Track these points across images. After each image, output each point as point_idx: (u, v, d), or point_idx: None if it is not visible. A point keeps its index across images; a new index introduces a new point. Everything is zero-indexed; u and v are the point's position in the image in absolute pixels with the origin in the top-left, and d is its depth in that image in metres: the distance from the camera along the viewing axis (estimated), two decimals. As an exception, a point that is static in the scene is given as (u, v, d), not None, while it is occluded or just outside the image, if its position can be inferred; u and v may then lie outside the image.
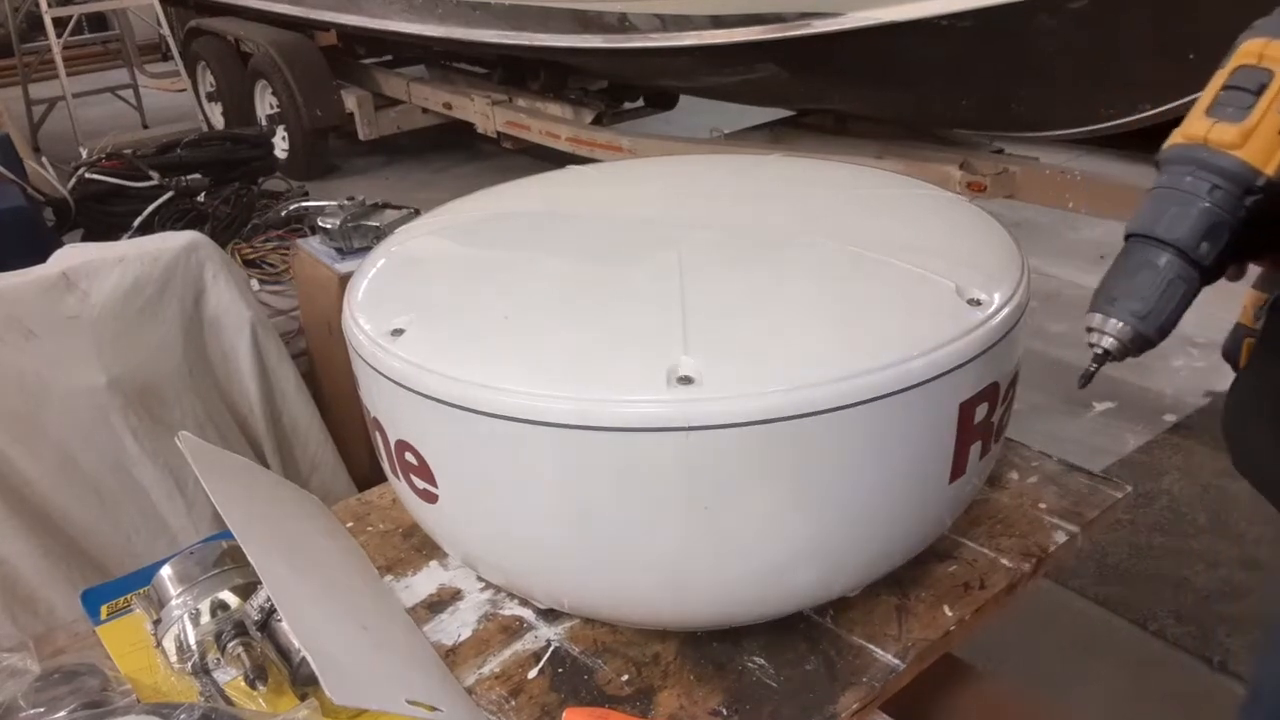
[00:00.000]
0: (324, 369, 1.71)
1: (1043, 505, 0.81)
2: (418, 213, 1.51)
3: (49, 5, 4.80)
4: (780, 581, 0.63)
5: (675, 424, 0.54)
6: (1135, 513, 1.76)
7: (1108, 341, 0.51)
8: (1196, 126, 0.49)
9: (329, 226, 1.66)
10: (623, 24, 2.93)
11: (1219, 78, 0.50)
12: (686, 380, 0.55)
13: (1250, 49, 0.49)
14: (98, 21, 6.39)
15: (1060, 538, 0.76)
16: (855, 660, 0.66)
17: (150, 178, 2.41)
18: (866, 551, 0.65)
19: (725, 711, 0.63)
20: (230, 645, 0.66)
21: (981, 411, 0.62)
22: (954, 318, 0.60)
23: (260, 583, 0.65)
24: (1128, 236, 0.52)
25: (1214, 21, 1.72)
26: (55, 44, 4.73)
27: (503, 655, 0.68)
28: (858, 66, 2.35)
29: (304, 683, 0.65)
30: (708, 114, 3.62)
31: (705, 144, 3.11)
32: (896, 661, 0.65)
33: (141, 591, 0.74)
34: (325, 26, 4.67)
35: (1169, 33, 1.80)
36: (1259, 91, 0.48)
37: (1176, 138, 0.50)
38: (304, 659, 0.63)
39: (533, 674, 0.66)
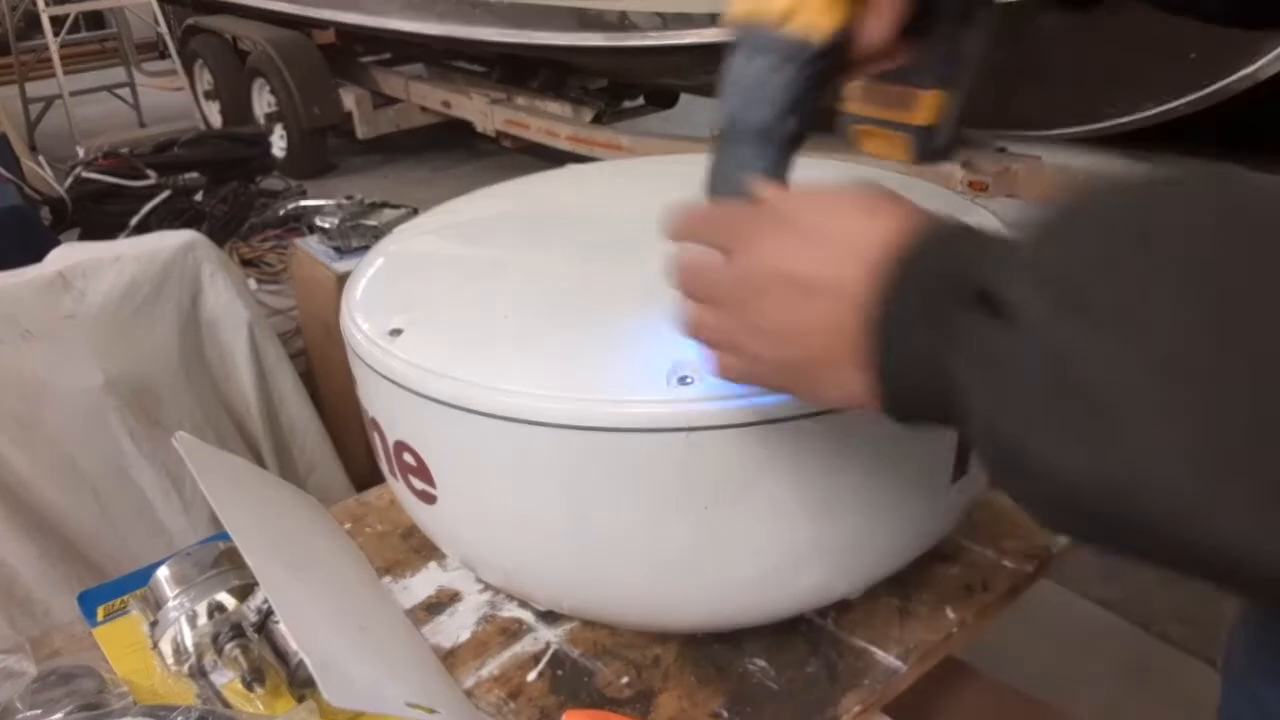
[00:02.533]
0: (322, 369, 1.70)
1: (1045, 506, 0.80)
2: (416, 212, 1.50)
3: (46, 4, 4.80)
4: (781, 583, 0.63)
5: (675, 425, 0.54)
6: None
7: None
8: (743, 3, 0.49)
9: (327, 226, 1.66)
10: (623, 22, 2.93)
11: None
12: (686, 381, 0.55)
13: None
14: (95, 20, 6.39)
15: (1063, 539, 0.76)
16: (857, 662, 0.65)
17: (147, 177, 2.41)
18: (868, 553, 0.65)
19: (726, 714, 0.62)
20: (227, 647, 0.66)
21: (984, 412, 0.61)
22: (957, 317, 0.59)
23: (258, 584, 0.65)
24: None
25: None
26: (52, 42, 4.73)
27: (502, 657, 0.68)
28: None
29: (302, 685, 0.65)
30: (708, 112, 3.61)
31: (706, 143, 3.10)
32: (898, 663, 0.65)
33: (138, 593, 0.73)
34: (323, 25, 4.66)
35: (1171, 31, 1.80)
36: None
37: (732, 9, 0.49)
38: (301, 661, 0.62)
39: (532, 676, 0.66)
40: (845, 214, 0.41)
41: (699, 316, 0.46)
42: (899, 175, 0.88)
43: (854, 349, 0.39)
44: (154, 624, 0.69)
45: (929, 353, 0.36)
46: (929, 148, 0.57)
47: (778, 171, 0.52)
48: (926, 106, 0.56)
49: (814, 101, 0.50)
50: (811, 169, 0.85)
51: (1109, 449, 0.30)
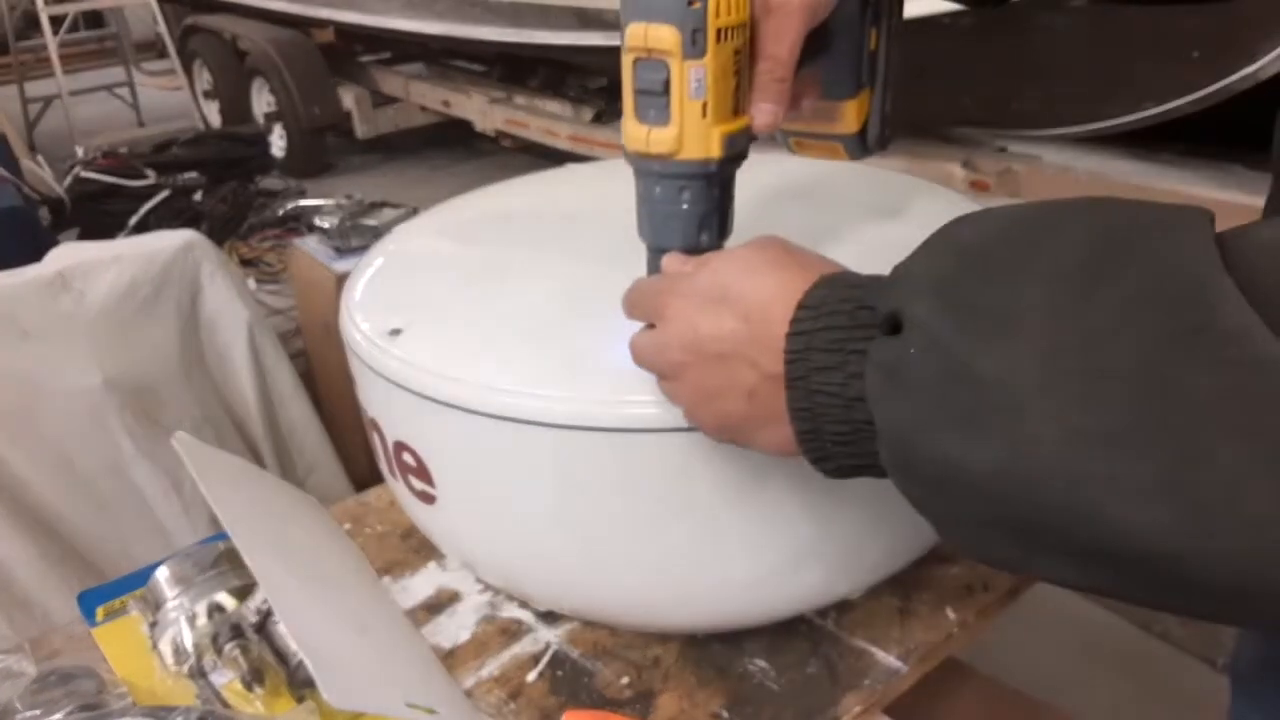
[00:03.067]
0: (321, 369, 1.70)
1: (1045, 506, 0.80)
2: (416, 211, 1.50)
3: (45, 3, 4.80)
4: (782, 584, 0.63)
5: (675, 425, 0.54)
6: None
7: None
8: (635, 136, 0.49)
9: (326, 225, 1.66)
10: (622, 22, 2.92)
11: (626, 67, 0.48)
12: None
13: (634, 35, 0.46)
14: (94, 19, 6.38)
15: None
16: (857, 663, 0.65)
17: (146, 176, 2.41)
18: (869, 553, 0.64)
19: (726, 714, 0.62)
20: (227, 647, 0.66)
21: (985, 412, 0.61)
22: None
23: (257, 585, 0.65)
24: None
25: (1217, 20, 1.72)
26: (51, 42, 4.73)
27: (502, 658, 0.68)
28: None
29: (301, 685, 0.64)
30: (706, 112, 3.60)
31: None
32: (899, 664, 0.65)
33: (138, 593, 0.73)
34: (323, 24, 4.66)
35: (1172, 31, 1.80)
36: (665, 90, 0.46)
37: (626, 141, 0.49)
38: (301, 661, 0.62)
39: (532, 677, 0.66)
40: (736, 277, 0.43)
41: (660, 385, 0.50)
42: (904, 177, 0.88)
43: (772, 404, 0.41)
44: (153, 624, 0.69)
45: (840, 391, 0.38)
46: (862, 148, 0.59)
47: None
48: (850, 114, 0.57)
49: (725, 210, 0.52)
50: (821, 168, 0.85)
51: (1005, 437, 0.31)
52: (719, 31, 0.45)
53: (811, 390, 0.39)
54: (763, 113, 0.49)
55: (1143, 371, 0.29)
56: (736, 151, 0.49)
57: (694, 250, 0.52)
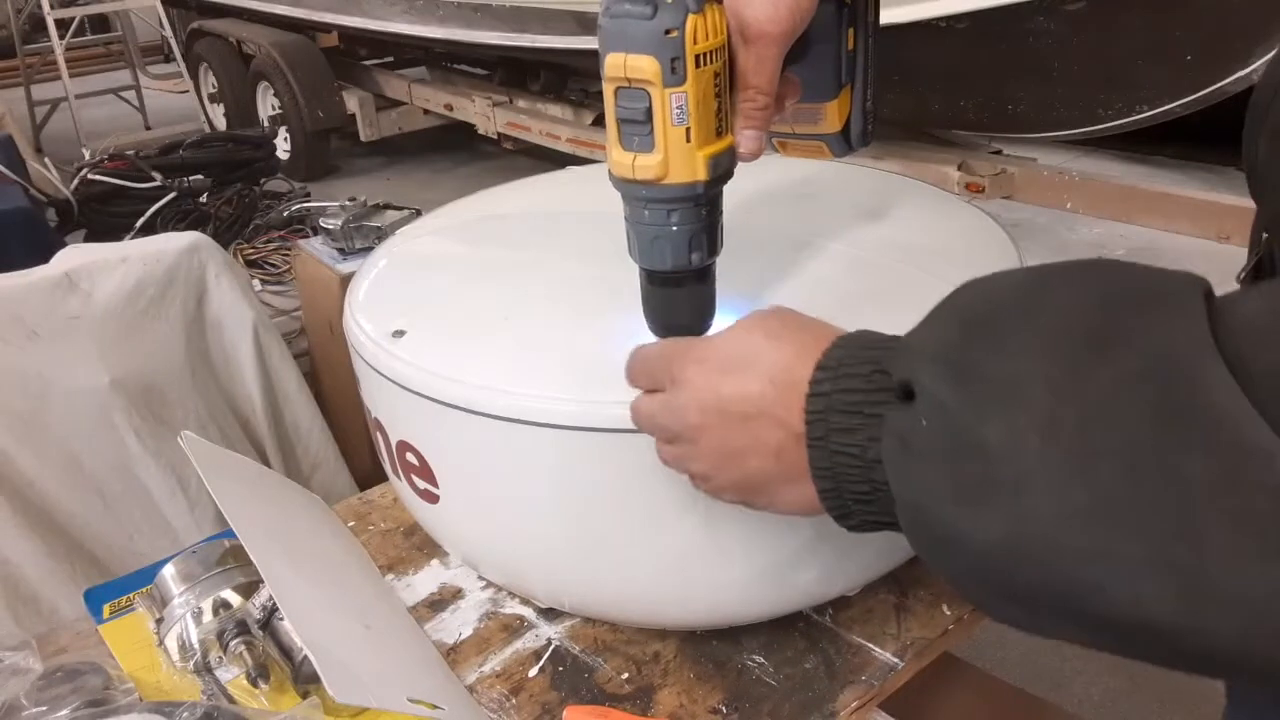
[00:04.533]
0: (325, 369, 1.71)
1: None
2: (419, 213, 1.51)
3: (51, 7, 4.81)
4: (780, 581, 0.63)
5: (675, 424, 0.54)
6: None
7: None
8: (620, 163, 0.49)
9: (330, 227, 1.67)
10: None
11: (608, 96, 0.48)
12: (686, 380, 0.55)
13: (614, 66, 0.46)
14: (100, 23, 6.40)
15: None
16: (854, 659, 0.66)
17: (153, 178, 2.42)
18: (866, 550, 0.65)
19: (725, 710, 0.63)
20: (232, 644, 0.67)
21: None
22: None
23: (262, 581, 0.66)
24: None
25: (1210, 23, 1.72)
26: (58, 45, 4.74)
27: (503, 654, 0.69)
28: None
29: (306, 681, 0.65)
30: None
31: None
32: (895, 660, 0.66)
33: (144, 590, 0.74)
34: (327, 28, 4.68)
35: (1165, 34, 1.80)
36: (648, 117, 0.46)
37: (612, 168, 0.50)
38: (306, 657, 0.63)
39: (533, 672, 0.67)
40: (760, 342, 0.44)
41: (660, 450, 0.50)
42: (900, 178, 0.88)
43: (798, 462, 0.41)
44: (159, 621, 0.70)
45: (860, 453, 0.39)
46: (846, 145, 0.60)
47: (696, 302, 0.54)
48: (832, 114, 0.58)
49: (714, 228, 0.52)
50: (819, 170, 0.85)
51: (1007, 511, 0.32)
52: (697, 58, 0.45)
53: (832, 451, 0.40)
54: (747, 139, 0.50)
55: (1134, 450, 0.30)
56: (721, 172, 0.49)
57: (685, 270, 0.52)
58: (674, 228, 0.50)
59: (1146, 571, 0.30)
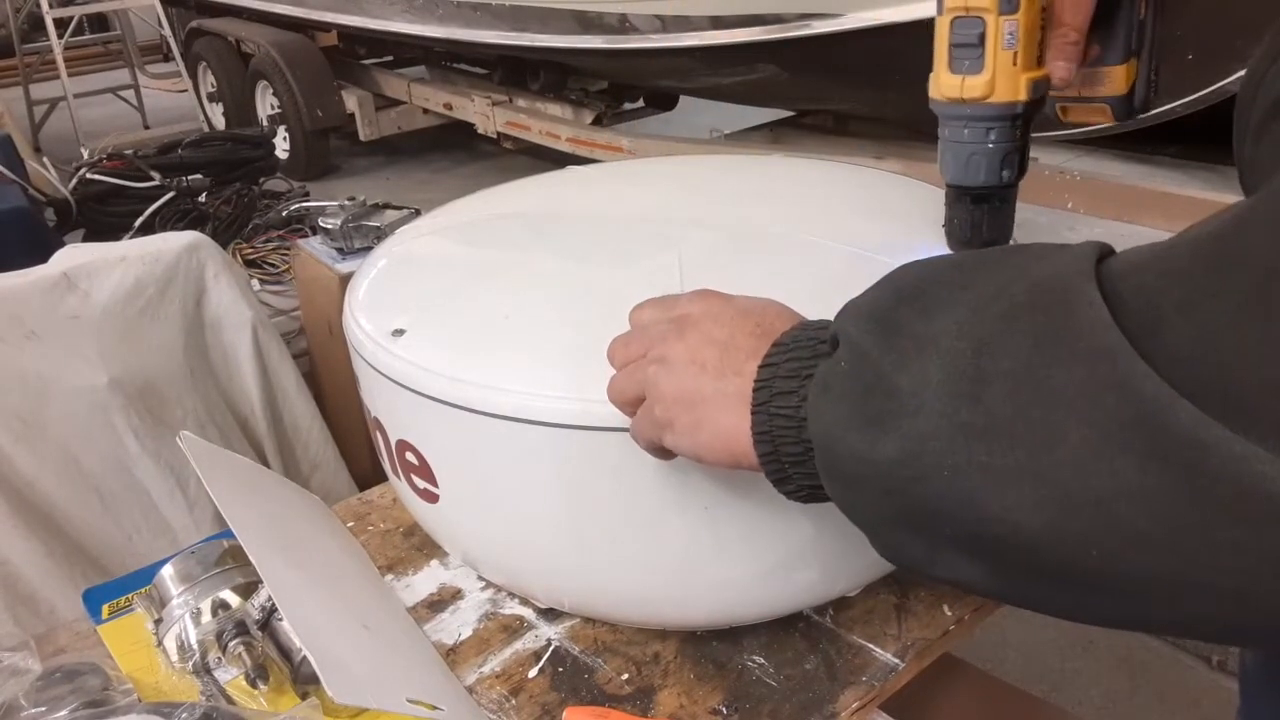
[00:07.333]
0: (325, 369, 1.71)
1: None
2: (418, 213, 1.51)
3: (50, 6, 4.81)
4: (780, 581, 0.63)
5: (675, 424, 0.54)
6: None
7: None
8: (948, 85, 0.57)
9: (330, 227, 1.67)
10: (623, 25, 2.93)
11: (943, 26, 0.57)
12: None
13: None
14: (99, 22, 6.40)
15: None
16: (855, 659, 0.66)
17: (151, 178, 2.41)
18: (866, 550, 0.65)
19: (725, 710, 0.63)
20: (231, 644, 0.67)
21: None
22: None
23: (261, 582, 0.66)
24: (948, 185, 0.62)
25: (1210, 24, 1.72)
26: (56, 45, 4.74)
27: (503, 654, 0.69)
28: (858, 67, 2.35)
29: (305, 681, 0.65)
30: (708, 114, 3.62)
31: (705, 144, 3.11)
32: (896, 661, 0.65)
33: (143, 591, 0.74)
34: (326, 27, 4.67)
35: (1166, 34, 1.80)
36: (981, 42, 0.55)
37: (936, 93, 0.58)
38: (305, 658, 0.63)
39: (533, 673, 0.67)
40: (730, 321, 0.48)
41: (627, 347, 0.53)
42: (900, 178, 0.88)
43: (738, 408, 0.45)
44: (158, 621, 0.70)
45: (793, 413, 0.42)
46: (1129, 109, 0.65)
47: (998, 220, 0.61)
48: (1119, 79, 0.62)
49: (1023, 151, 0.59)
50: (820, 170, 0.85)
51: (903, 433, 0.35)
52: None
53: (771, 414, 0.43)
54: (1060, 69, 0.57)
55: (1018, 371, 0.32)
56: (1039, 96, 0.57)
57: (994, 186, 0.59)
58: (990, 145, 0.58)
59: (1015, 479, 0.31)
